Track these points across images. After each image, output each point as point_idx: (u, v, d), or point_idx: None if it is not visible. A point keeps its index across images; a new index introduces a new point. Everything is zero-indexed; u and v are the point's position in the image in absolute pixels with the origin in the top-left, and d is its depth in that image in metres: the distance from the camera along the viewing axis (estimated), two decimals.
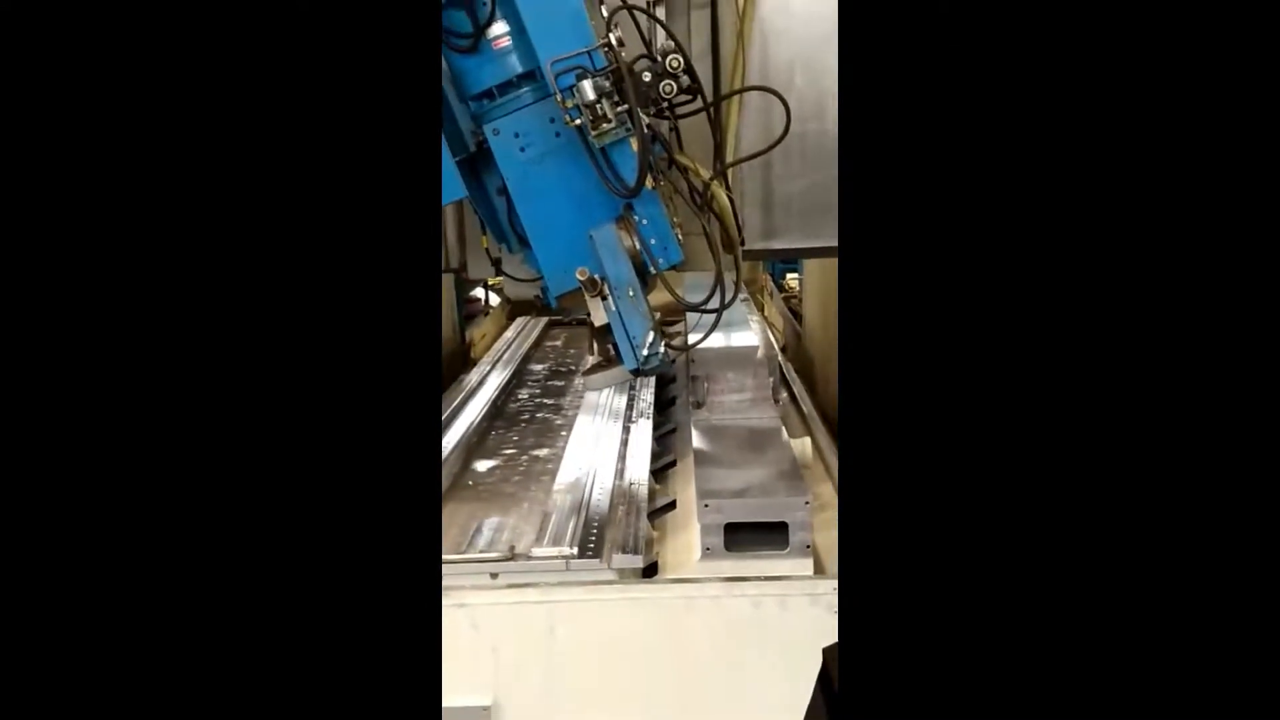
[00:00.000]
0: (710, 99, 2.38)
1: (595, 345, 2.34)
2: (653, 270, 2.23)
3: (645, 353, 2.23)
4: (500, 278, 2.70)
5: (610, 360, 2.31)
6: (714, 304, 2.25)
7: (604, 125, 2.06)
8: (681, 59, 2.12)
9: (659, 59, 2.12)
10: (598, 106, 2.04)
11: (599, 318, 2.26)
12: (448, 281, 2.69)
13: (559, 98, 2.07)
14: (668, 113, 2.26)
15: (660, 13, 2.45)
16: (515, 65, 2.16)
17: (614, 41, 2.07)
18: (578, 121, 2.07)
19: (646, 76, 2.10)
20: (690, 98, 2.23)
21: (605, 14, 2.16)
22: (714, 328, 2.36)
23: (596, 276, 2.21)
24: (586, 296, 2.23)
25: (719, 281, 2.24)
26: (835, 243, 2.65)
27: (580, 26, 2.08)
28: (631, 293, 2.21)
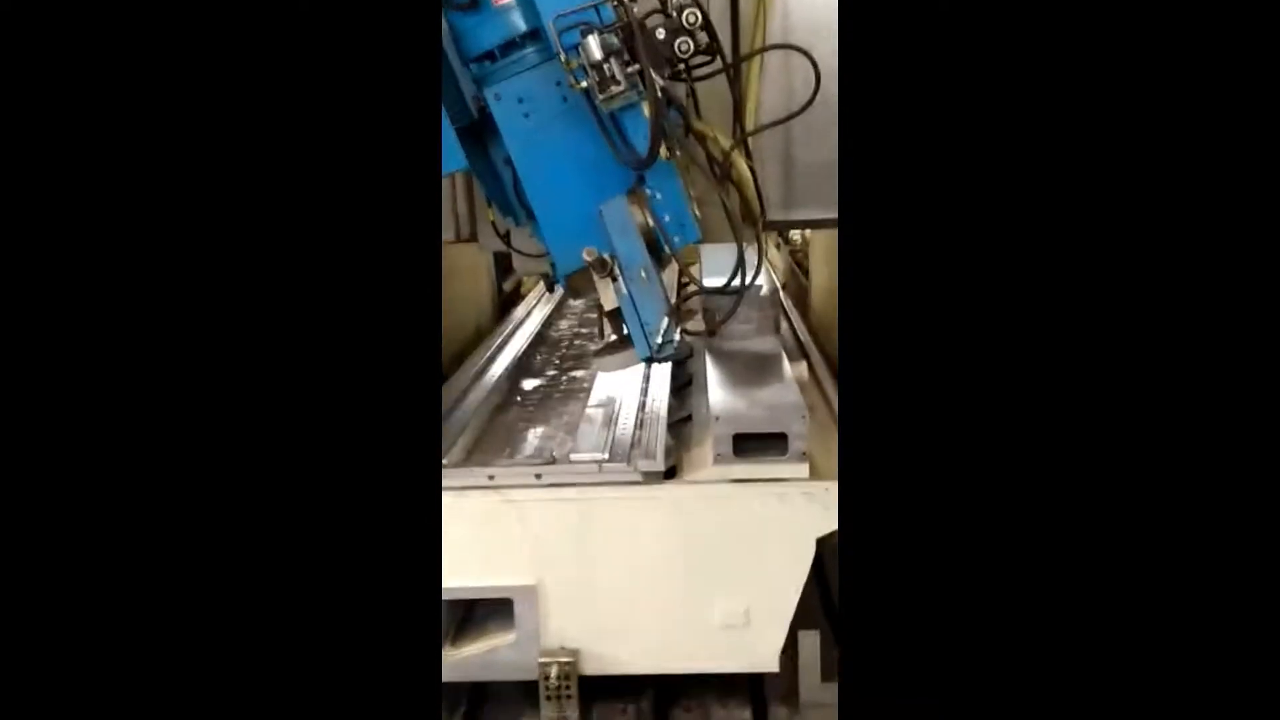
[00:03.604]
0: (730, 60, 2.22)
1: (608, 324, 2.20)
2: (667, 249, 2.08)
3: (659, 340, 2.09)
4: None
5: (624, 341, 2.17)
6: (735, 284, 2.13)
7: (613, 88, 1.91)
8: (699, 13, 1.98)
9: (674, 14, 1.98)
10: (605, 66, 1.89)
11: (609, 301, 2.11)
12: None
13: (564, 58, 1.92)
14: (684, 75, 2.12)
15: None
16: (518, 23, 2.01)
17: None
18: (584, 84, 1.93)
19: (660, 33, 1.96)
20: (709, 58, 2.09)
21: None
22: (734, 309, 2.22)
23: (606, 256, 2.06)
24: (595, 278, 2.08)
25: (741, 261, 2.08)
26: None
27: None
28: (644, 274, 2.07)
